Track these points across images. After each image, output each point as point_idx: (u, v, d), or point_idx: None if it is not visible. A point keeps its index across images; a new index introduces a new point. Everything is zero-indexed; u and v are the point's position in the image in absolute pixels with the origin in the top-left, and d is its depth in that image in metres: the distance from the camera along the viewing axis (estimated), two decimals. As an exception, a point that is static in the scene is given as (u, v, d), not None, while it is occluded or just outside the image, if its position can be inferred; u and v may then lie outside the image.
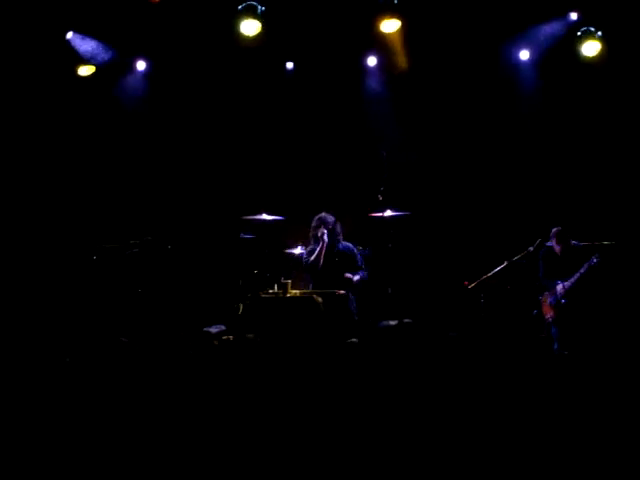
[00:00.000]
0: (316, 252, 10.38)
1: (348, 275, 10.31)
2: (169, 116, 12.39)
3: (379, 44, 11.78)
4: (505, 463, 3.40)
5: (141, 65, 12.46)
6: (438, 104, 12.20)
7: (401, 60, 11.77)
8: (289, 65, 12.60)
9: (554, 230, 10.25)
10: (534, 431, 3.55)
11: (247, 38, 11.17)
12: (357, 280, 10.34)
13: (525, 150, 11.93)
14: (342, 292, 9.96)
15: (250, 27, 11.10)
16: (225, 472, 3.41)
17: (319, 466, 3.56)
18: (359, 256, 10.59)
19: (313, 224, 10.40)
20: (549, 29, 11.50)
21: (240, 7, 11.05)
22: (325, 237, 10.27)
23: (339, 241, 10.48)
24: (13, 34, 11.01)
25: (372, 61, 12.39)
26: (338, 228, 10.50)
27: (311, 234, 10.46)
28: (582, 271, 9.88)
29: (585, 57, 11.28)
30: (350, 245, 10.64)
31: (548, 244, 10.34)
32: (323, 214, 10.42)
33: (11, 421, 3.82)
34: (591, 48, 11.23)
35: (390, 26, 11.17)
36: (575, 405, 3.80)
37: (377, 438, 3.55)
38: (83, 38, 11.67)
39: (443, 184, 12.20)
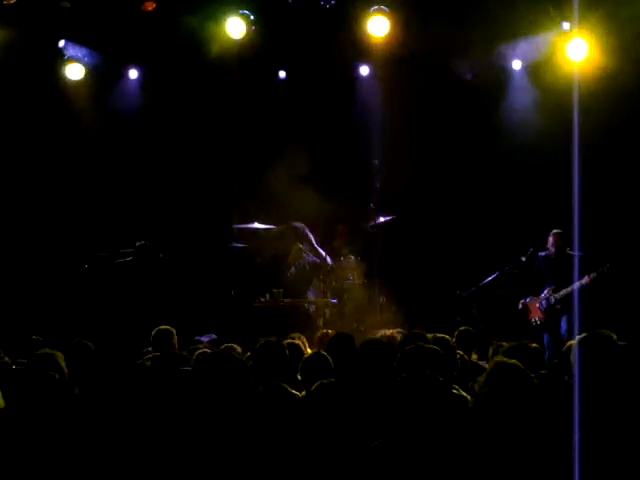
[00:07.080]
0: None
1: None
2: (161, 124, 12.34)
3: (371, 54, 11.76)
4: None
5: (133, 73, 12.43)
6: (430, 112, 12.17)
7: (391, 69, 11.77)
8: (282, 74, 12.60)
9: (553, 231, 10.25)
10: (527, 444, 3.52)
11: (235, 42, 11.12)
12: None
13: (518, 158, 11.88)
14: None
15: (237, 28, 11.04)
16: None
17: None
18: None
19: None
20: (541, 39, 11.48)
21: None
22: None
23: None
24: (7, 41, 11.00)
25: (364, 70, 12.38)
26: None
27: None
28: (574, 288, 9.90)
29: (575, 65, 11.21)
30: None
31: (541, 254, 10.34)
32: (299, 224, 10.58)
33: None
34: (580, 56, 11.16)
35: (380, 28, 10.97)
36: (567, 415, 3.77)
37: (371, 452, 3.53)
38: (75, 45, 11.66)
39: (436, 193, 12.18)
